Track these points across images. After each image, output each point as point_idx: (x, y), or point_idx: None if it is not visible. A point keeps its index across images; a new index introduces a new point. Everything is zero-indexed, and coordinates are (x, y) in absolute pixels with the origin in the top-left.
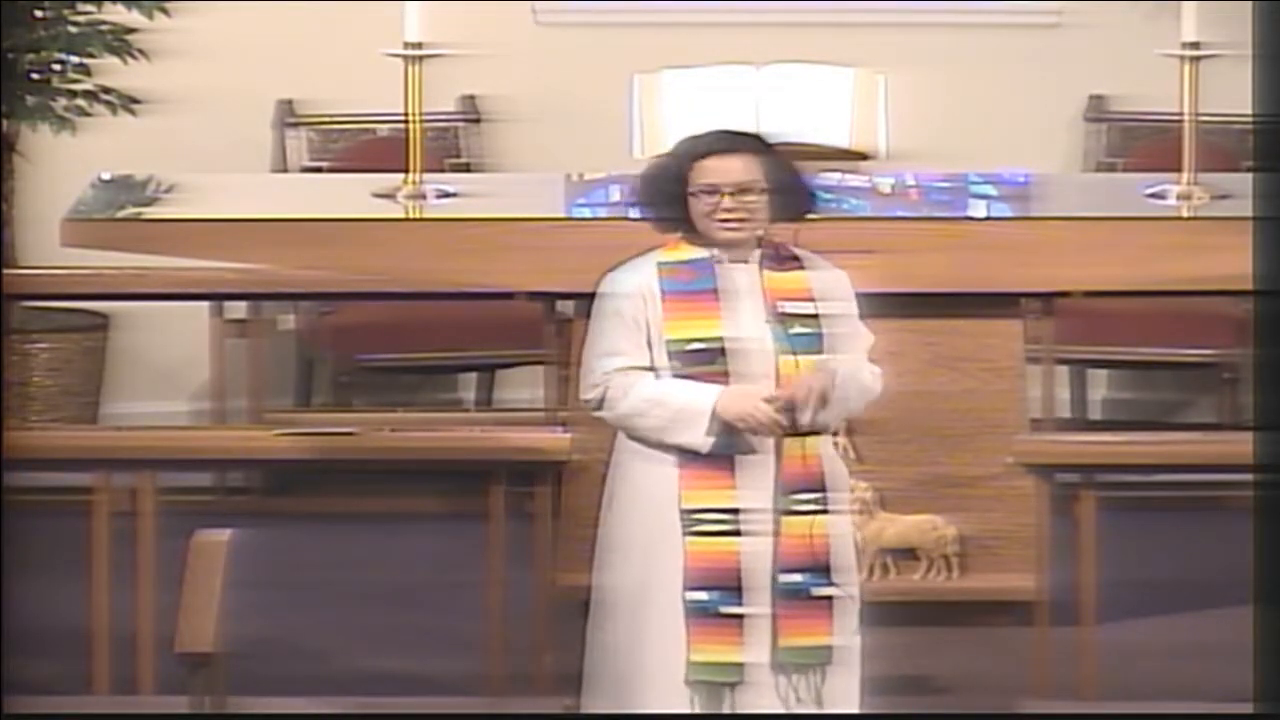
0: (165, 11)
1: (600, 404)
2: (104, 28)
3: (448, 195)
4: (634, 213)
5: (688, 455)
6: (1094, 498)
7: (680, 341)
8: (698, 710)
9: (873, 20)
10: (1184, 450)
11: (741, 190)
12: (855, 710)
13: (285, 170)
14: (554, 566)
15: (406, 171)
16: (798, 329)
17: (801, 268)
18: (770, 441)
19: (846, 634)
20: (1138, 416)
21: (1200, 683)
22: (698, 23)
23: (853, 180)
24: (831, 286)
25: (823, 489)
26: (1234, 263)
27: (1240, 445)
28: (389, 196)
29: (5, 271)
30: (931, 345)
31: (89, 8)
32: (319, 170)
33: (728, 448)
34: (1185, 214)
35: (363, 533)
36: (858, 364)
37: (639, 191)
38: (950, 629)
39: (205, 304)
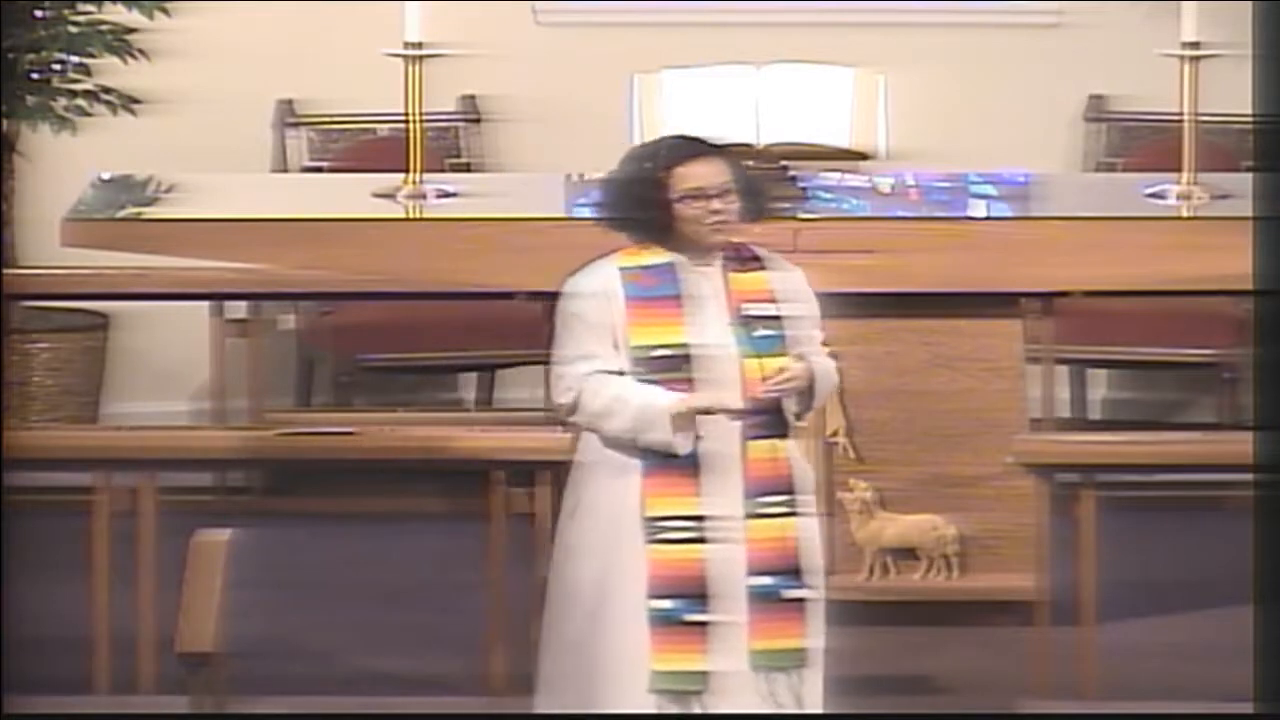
0: (165, 11)
1: (574, 408)
2: (104, 28)
3: (448, 195)
4: (602, 223)
5: (652, 463)
6: (1094, 498)
7: (644, 348)
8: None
9: (873, 20)
10: (1184, 450)
11: (724, 192)
12: (821, 709)
13: (285, 170)
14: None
15: (406, 171)
16: (761, 331)
17: (763, 268)
18: (736, 445)
19: (817, 635)
20: (1138, 416)
21: (1200, 683)
22: (698, 23)
23: (853, 180)
24: (792, 286)
25: (791, 491)
26: (1234, 263)
27: (1240, 445)
28: (389, 196)
29: (5, 271)
30: (931, 345)
31: (89, 8)
32: (319, 170)
33: (691, 454)
34: (1185, 214)
35: (363, 533)
36: (825, 360)
37: (614, 202)
38: (950, 629)
39: (205, 304)
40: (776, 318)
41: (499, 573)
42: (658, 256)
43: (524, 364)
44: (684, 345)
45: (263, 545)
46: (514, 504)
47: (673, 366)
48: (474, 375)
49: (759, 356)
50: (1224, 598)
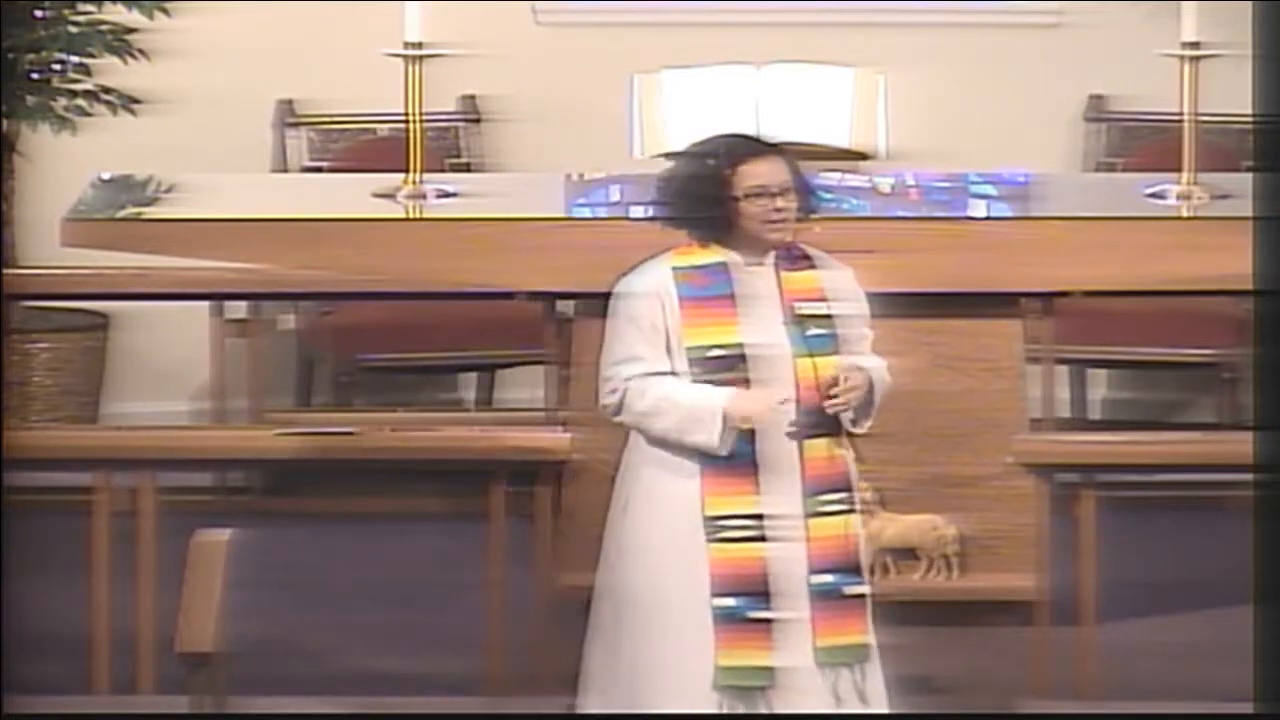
0: (165, 11)
1: (619, 408)
2: (104, 28)
3: (448, 195)
4: (660, 220)
5: (710, 462)
6: (1094, 498)
7: (700, 348)
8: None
9: (873, 20)
10: (1184, 450)
11: (785, 190)
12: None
13: (285, 170)
14: (554, 566)
15: (406, 171)
16: (814, 330)
17: (813, 267)
18: (794, 444)
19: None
20: (1138, 416)
21: (1200, 683)
22: (698, 23)
23: (853, 180)
24: (841, 285)
25: (849, 488)
26: (1234, 263)
27: (1240, 445)
28: (389, 196)
29: (5, 271)
30: (931, 345)
31: (89, 8)
32: (319, 170)
33: (749, 453)
34: (1185, 214)
35: (363, 533)
36: (877, 360)
37: (675, 200)
38: (950, 629)
39: (205, 304)
40: (829, 317)
41: (499, 573)
42: (711, 256)
43: (524, 364)
44: (739, 345)
45: (263, 545)
46: (514, 504)
47: (728, 366)
48: (474, 375)
49: (812, 356)
50: (1224, 598)
